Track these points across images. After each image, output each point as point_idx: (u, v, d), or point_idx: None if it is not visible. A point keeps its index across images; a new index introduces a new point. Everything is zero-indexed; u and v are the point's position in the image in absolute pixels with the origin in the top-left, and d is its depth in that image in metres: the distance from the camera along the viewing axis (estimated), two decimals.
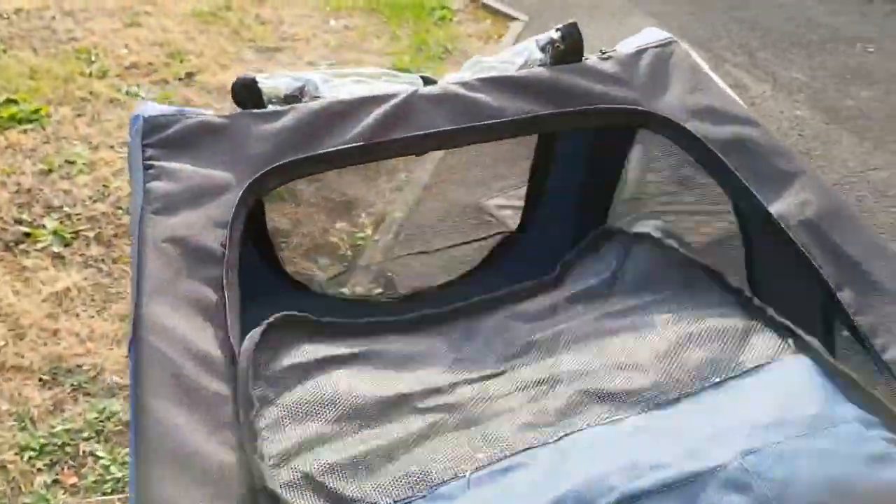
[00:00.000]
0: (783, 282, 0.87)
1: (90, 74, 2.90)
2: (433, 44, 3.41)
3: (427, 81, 0.93)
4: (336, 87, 0.90)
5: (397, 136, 0.85)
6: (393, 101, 0.87)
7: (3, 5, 3.45)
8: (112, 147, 2.47)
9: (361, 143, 0.84)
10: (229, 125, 0.85)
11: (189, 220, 0.76)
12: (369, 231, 2.28)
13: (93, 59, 3.03)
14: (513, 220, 1.35)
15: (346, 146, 0.84)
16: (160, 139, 0.83)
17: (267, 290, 1.00)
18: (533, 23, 3.72)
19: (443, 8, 3.83)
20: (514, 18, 3.73)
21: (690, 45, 3.40)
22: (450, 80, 0.93)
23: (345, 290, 1.54)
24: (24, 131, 2.51)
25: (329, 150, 0.83)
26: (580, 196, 1.25)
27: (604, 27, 3.69)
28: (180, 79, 2.95)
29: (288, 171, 0.83)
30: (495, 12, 3.82)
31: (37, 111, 2.61)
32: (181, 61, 3.08)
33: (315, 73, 0.91)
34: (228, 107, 2.77)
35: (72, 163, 2.36)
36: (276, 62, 3.17)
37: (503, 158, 1.34)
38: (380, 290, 1.45)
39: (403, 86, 0.91)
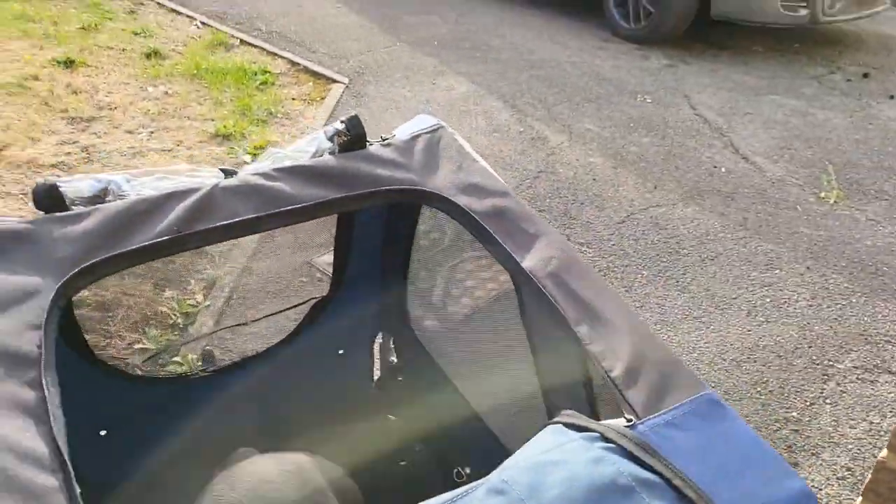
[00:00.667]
0: (544, 321, 1.05)
1: None
2: (256, 108, 3.50)
3: (227, 174, 1.02)
4: (140, 185, 0.95)
5: (202, 227, 0.92)
6: (196, 195, 0.95)
7: None
8: None
9: (168, 237, 0.90)
10: (34, 230, 0.87)
11: (2, 326, 0.78)
12: (200, 297, 2.30)
13: None
14: (325, 284, 1.47)
15: (153, 241, 0.89)
16: None
17: (82, 382, 1.03)
18: (353, 84, 3.91)
19: (265, 73, 3.92)
20: (334, 81, 3.89)
21: (498, 102, 3.75)
22: (248, 171, 1.02)
23: (166, 369, 1.59)
24: None
25: (136, 246, 0.88)
26: (381, 258, 1.41)
27: (419, 87, 3.96)
28: None
29: (97, 270, 0.86)
30: (316, 75, 3.97)
31: None
32: None
33: (118, 174, 0.97)
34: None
35: None
36: (91, 132, 3.11)
37: (312, 230, 1.47)
38: (200, 365, 1.51)
39: (205, 179, 1.00)
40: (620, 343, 0.90)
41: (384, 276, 1.43)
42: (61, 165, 2.82)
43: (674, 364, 0.89)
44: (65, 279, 0.84)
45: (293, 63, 4.12)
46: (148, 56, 3.99)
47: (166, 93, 3.58)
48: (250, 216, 0.96)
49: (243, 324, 1.62)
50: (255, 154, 3.09)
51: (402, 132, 1.14)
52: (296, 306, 1.48)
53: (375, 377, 1.63)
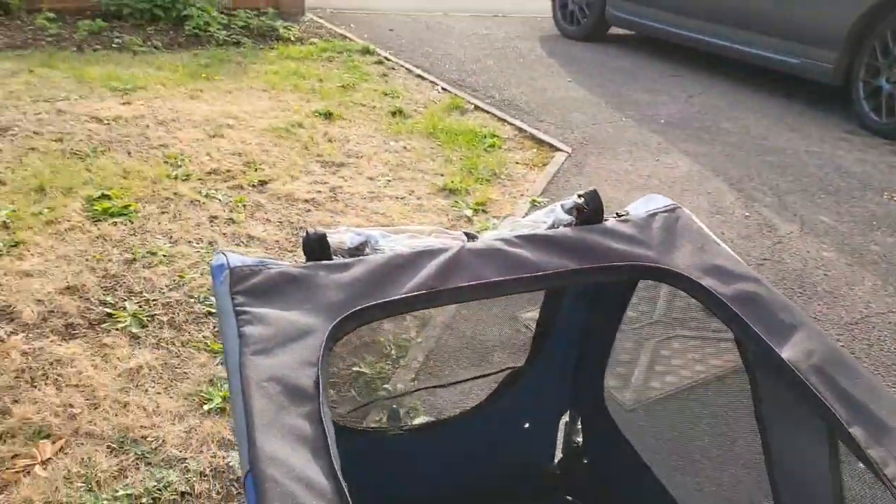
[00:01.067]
0: (793, 420, 0.99)
1: (175, 177, 3.25)
2: (482, 167, 3.71)
3: (470, 237, 1.07)
4: (394, 241, 1.03)
5: (452, 285, 0.97)
6: (446, 255, 1.00)
7: (105, 113, 3.90)
8: (189, 242, 2.75)
9: (424, 292, 0.96)
10: (307, 274, 0.96)
11: (283, 360, 0.85)
12: (413, 333, 2.46)
13: (179, 164, 3.39)
14: (520, 356, 1.48)
15: (411, 294, 0.95)
16: (247, 288, 0.93)
17: None
18: (575, 154, 4.01)
19: (493, 136, 4.16)
20: (557, 149, 4.03)
21: (723, 184, 3.64)
22: (490, 236, 1.08)
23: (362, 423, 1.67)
24: (115, 223, 2.82)
25: (396, 297, 0.95)
26: (581, 337, 1.41)
27: (641, 162, 3.96)
28: (254, 185, 3.27)
29: (363, 316, 0.93)
30: (540, 142, 4.13)
31: (126, 207, 2.93)
32: (255, 170, 3.43)
33: (374, 229, 1.06)
34: (294, 213, 3.04)
35: (153, 254, 2.64)
36: (339, 175, 3.49)
37: (514, 304, 1.51)
38: (386, 423, 1.57)
39: (451, 241, 1.06)
40: None
41: (582, 352, 1.43)
42: (312, 201, 3.20)
43: None
44: (336, 321, 0.90)
45: (520, 129, 4.33)
46: (393, 114, 4.42)
47: (405, 147, 3.93)
48: (496, 279, 1.00)
49: (439, 386, 1.70)
50: (476, 209, 3.28)
51: (636, 209, 1.16)
52: (491, 374, 1.50)
53: (558, 457, 1.59)
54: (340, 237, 1.03)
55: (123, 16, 5.76)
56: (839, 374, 0.91)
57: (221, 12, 5.99)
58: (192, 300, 2.42)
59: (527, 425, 1.53)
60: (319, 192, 3.29)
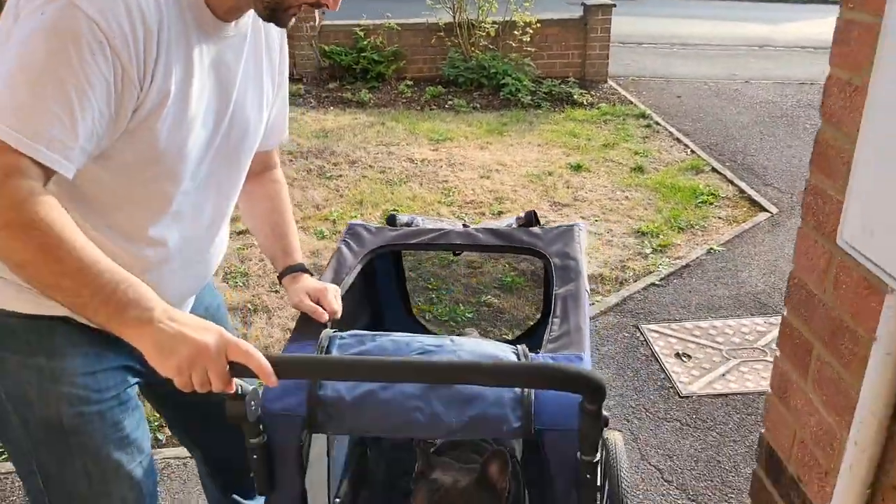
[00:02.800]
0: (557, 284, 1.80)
1: (442, 202, 4.63)
2: (683, 219, 4.41)
3: (465, 226, 2.06)
4: (429, 221, 2.06)
5: (445, 241, 1.93)
6: (448, 229, 1.96)
7: (417, 155, 5.51)
8: None
9: (431, 240, 1.95)
10: (379, 228, 2.00)
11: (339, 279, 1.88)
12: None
13: (450, 194, 4.78)
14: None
15: (424, 240, 1.94)
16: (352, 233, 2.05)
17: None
18: (780, 215, 4.43)
19: (711, 195, 4.77)
20: (764, 209, 4.49)
21: None
22: (472, 227, 2.06)
23: None
24: None
25: (416, 241, 1.94)
26: None
27: None
28: (493, 214, 4.49)
29: (394, 246, 1.97)
30: (753, 202, 4.62)
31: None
32: (500, 203, 4.65)
33: (421, 217, 2.14)
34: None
35: None
36: (562, 214, 4.52)
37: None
38: None
39: (455, 225, 2.04)
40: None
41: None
42: None
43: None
44: (371, 249, 1.95)
45: (741, 191, 4.85)
46: (633, 169, 5.28)
47: (626, 197, 4.79)
48: (460, 242, 1.95)
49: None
50: (655, 249, 4.03)
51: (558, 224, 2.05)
52: None
53: None
54: (401, 217, 2.15)
55: (458, 83, 7.53)
56: (570, 299, 1.70)
57: (533, 81, 7.42)
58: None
59: None
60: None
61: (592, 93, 7.41)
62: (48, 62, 1.01)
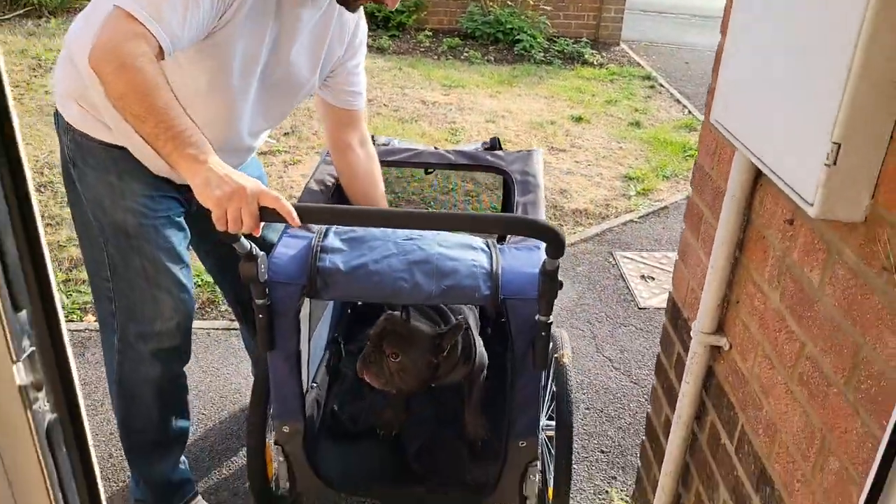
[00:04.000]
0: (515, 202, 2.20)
1: (448, 140, 5.00)
2: (668, 169, 4.76)
3: (436, 148, 2.46)
4: (406, 142, 2.44)
5: (420, 160, 2.24)
6: (422, 150, 2.28)
7: (429, 98, 5.86)
8: None
9: (406, 159, 2.27)
10: None
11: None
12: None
13: (456, 134, 5.14)
14: None
15: (400, 158, 2.25)
16: None
17: None
18: None
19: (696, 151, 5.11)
20: None
21: None
22: (443, 149, 2.45)
23: None
24: None
25: (392, 158, 2.24)
26: None
27: None
28: None
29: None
30: None
31: None
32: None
33: (397, 139, 2.52)
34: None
35: None
36: (556, 157, 4.88)
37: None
38: None
39: (428, 147, 2.40)
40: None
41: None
42: None
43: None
44: None
45: None
46: (631, 124, 5.62)
47: (620, 147, 5.14)
48: (433, 161, 2.27)
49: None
50: (638, 193, 4.40)
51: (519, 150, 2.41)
52: None
53: None
54: (380, 139, 2.50)
55: (475, 36, 7.82)
56: (530, 205, 2.03)
57: (547, 39, 7.70)
58: None
59: None
60: None
61: (604, 54, 7.69)
62: None
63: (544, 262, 1.54)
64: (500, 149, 2.37)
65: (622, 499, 2.19)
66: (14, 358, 0.69)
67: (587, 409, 2.59)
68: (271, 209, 1.39)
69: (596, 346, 2.94)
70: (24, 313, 0.69)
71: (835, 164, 0.99)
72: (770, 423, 1.30)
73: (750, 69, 1.28)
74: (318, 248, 1.66)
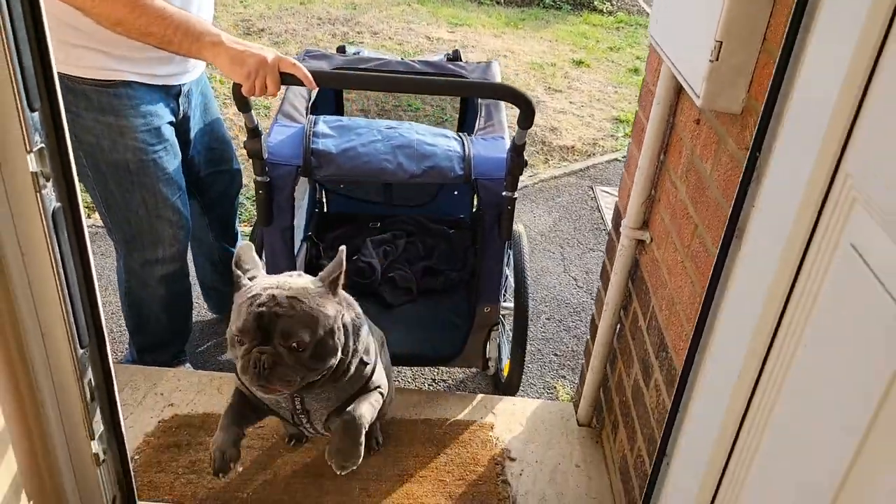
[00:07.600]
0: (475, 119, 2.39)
1: None
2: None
3: (404, 62, 2.59)
4: (376, 53, 2.64)
5: (388, 70, 2.33)
6: (389, 60, 2.39)
7: (434, 34, 5.94)
8: None
9: (367, 71, 2.36)
10: (335, 55, 2.46)
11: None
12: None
13: None
14: None
15: (363, 70, 2.35)
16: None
17: None
18: None
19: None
20: None
21: None
22: (412, 59, 2.56)
23: None
24: None
25: (350, 67, 2.35)
26: None
27: None
28: None
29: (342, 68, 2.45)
30: None
31: None
32: None
33: (367, 49, 2.63)
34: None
35: None
36: (551, 96, 5.02)
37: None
38: None
39: (392, 57, 2.52)
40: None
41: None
42: None
43: None
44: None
45: None
46: (630, 70, 5.72)
47: (615, 91, 5.26)
48: (401, 69, 2.35)
49: None
50: (628, 134, 4.54)
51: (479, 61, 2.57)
52: None
53: None
54: (350, 48, 2.65)
55: None
56: (492, 106, 2.26)
57: None
58: None
59: None
60: None
61: (613, 2, 7.71)
62: None
63: (514, 137, 1.79)
64: (458, 59, 2.55)
65: (567, 393, 2.43)
66: (28, 148, 0.90)
67: (548, 319, 2.81)
68: (291, 74, 1.54)
69: (564, 266, 3.15)
70: (37, 114, 0.89)
71: (717, 59, 1.17)
72: (670, 299, 1.51)
73: None
74: (312, 133, 1.90)
